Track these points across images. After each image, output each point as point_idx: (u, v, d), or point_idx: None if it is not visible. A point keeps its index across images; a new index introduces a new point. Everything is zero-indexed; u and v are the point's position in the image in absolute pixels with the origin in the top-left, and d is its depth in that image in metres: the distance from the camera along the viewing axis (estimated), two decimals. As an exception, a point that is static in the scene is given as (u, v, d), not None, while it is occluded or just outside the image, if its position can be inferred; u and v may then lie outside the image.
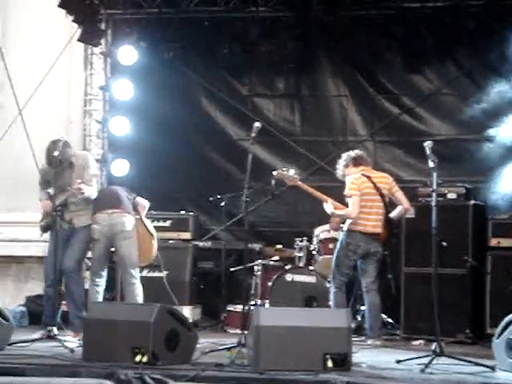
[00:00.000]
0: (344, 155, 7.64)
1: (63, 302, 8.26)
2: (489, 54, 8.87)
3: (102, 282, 7.51)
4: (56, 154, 7.04)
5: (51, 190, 7.20)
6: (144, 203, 7.80)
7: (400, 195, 7.44)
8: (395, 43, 9.22)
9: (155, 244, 7.73)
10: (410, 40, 9.12)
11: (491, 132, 8.85)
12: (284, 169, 7.68)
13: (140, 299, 7.41)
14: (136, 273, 7.50)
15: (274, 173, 7.59)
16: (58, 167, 7.14)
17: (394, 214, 7.42)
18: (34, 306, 8.70)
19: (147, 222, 7.78)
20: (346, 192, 7.29)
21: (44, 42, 9.78)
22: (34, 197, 9.15)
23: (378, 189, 7.32)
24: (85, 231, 7.41)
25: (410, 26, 9.02)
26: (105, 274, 7.54)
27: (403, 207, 7.42)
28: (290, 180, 7.60)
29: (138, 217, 7.64)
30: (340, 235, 7.48)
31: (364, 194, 7.26)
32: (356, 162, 7.48)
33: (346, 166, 7.54)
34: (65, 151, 7.22)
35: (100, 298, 7.48)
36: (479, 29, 8.78)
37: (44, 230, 7.49)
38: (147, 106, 9.69)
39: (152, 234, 7.69)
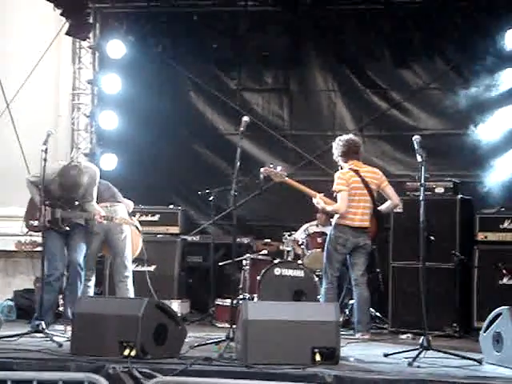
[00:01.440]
0: (339, 143, 7.51)
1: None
2: (476, 48, 8.89)
3: (93, 277, 7.52)
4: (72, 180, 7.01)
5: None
6: (130, 204, 7.83)
7: (389, 190, 7.45)
8: (383, 38, 9.25)
9: (140, 237, 7.76)
10: (398, 35, 9.16)
11: (479, 126, 8.88)
12: (271, 165, 7.67)
13: (131, 294, 7.42)
14: (130, 267, 7.52)
15: (262, 170, 7.59)
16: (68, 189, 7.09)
17: (382, 208, 7.44)
18: (22, 300, 8.69)
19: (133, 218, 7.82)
20: (334, 187, 7.30)
21: (32, 36, 9.76)
22: (22, 191, 9.11)
23: (365, 183, 7.32)
24: (84, 227, 7.36)
25: (398, 20, 9.05)
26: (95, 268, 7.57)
27: (392, 202, 7.43)
28: (277, 176, 7.59)
29: None
30: (329, 230, 7.49)
31: (352, 188, 7.27)
32: (347, 157, 7.44)
33: (340, 155, 7.50)
34: (78, 179, 7.10)
35: (91, 293, 7.48)
36: (467, 23, 8.83)
37: (34, 231, 7.31)
38: (135, 100, 9.68)
39: (137, 227, 7.68)
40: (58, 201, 7.10)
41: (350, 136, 7.67)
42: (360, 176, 7.32)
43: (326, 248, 7.43)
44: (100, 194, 7.46)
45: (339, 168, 7.51)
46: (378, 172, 7.53)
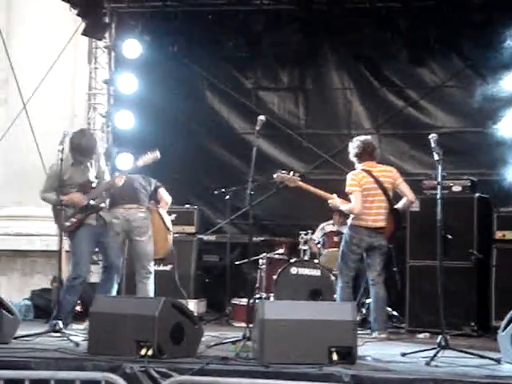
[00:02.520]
0: (354, 144, 7.46)
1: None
2: (493, 45, 8.82)
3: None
4: (85, 143, 7.01)
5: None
6: (167, 199, 7.86)
7: (404, 187, 7.39)
8: (400, 36, 9.20)
9: (170, 238, 7.77)
10: (414, 32, 9.10)
11: (496, 124, 8.82)
12: (283, 171, 7.58)
13: (151, 294, 7.42)
14: (151, 267, 7.55)
15: (274, 176, 7.53)
16: (83, 159, 7.05)
17: (398, 206, 7.40)
18: (40, 299, 8.71)
19: (165, 216, 7.81)
20: (347, 189, 7.26)
21: (48, 36, 9.79)
22: (38, 191, 9.20)
23: (379, 183, 7.27)
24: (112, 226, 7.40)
25: (415, 18, 9.00)
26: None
27: (408, 199, 7.38)
28: (291, 181, 7.50)
29: (156, 208, 7.68)
30: (345, 230, 7.47)
31: (364, 189, 7.22)
32: (361, 158, 7.39)
33: (354, 156, 7.47)
34: (93, 140, 7.16)
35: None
36: (483, 21, 8.76)
37: (76, 227, 7.05)
38: (151, 100, 9.69)
39: (168, 229, 7.70)
40: (80, 190, 7.06)
41: (366, 137, 7.61)
42: (373, 176, 7.27)
43: (341, 248, 7.40)
44: (119, 194, 7.42)
45: (355, 168, 7.48)
46: (391, 170, 7.46)
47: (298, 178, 7.55)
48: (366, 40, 9.28)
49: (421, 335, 7.60)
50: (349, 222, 7.36)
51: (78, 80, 10.12)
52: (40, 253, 9.59)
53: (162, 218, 7.76)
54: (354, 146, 7.44)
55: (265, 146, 9.35)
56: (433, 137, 6.29)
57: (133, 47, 9.61)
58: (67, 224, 7.02)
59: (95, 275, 9.58)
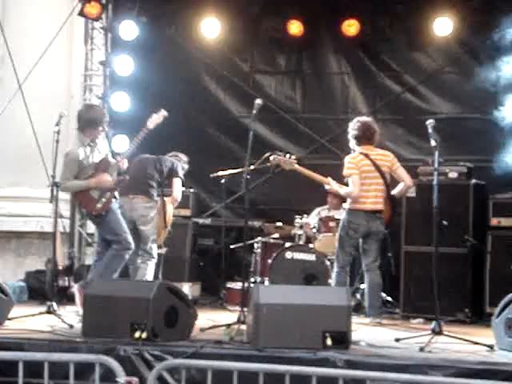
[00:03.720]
0: (355, 126, 7.40)
1: (62, 278, 8.32)
2: (492, 32, 8.79)
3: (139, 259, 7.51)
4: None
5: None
6: (176, 195, 7.71)
7: (401, 172, 7.37)
8: (398, 21, 9.18)
9: (163, 233, 7.78)
10: (412, 18, 9.06)
11: (494, 110, 8.80)
12: (279, 153, 7.55)
13: (150, 278, 7.42)
14: (153, 251, 7.52)
15: (271, 158, 7.48)
16: (95, 132, 7.01)
17: (395, 192, 7.39)
18: (34, 281, 8.70)
19: (168, 210, 7.76)
20: (345, 172, 7.24)
21: (44, 16, 9.71)
22: (34, 171, 9.19)
23: (377, 166, 7.26)
24: None
25: (413, 3, 8.96)
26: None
27: (405, 184, 7.36)
28: (287, 164, 7.48)
29: (162, 202, 7.69)
30: (342, 215, 7.45)
31: (362, 171, 7.21)
32: (360, 141, 7.36)
33: (353, 138, 7.42)
34: (101, 111, 7.16)
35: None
36: (482, 6, 8.72)
37: (106, 208, 6.93)
38: (148, 82, 9.64)
39: (165, 225, 7.66)
40: (98, 171, 7.01)
41: (367, 119, 7.55)
42: (370, 159, 7.26)
43: (338, 233, 7.39)
44: (127, 183, 7.28)
45: (351, 151, 7.46)
46: (389, 154, 7.45)
47: (295, 161, 7.52)
48: (363, 24, 9.22)
49: (415, 321, 7.60)
50: (346, 206, 7.34)
51: (74, 61, 10.05)
52: (35, 234, 9.56)
53: (164, 212, 7.71)
54: (353, 128, 7.40)
55: (261, 129, 9.32)
56: (430, 123, 6.28)
57: (129, 28, 9.56)
58: (99, 206, 6.94)
59: (89, 257, 9.59)
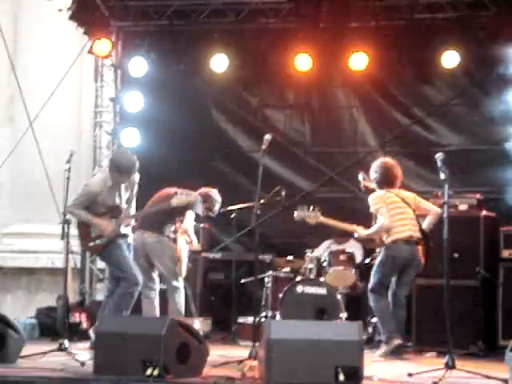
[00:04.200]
0: (378, 170, 7.38)
1: (73, 315, 8.31)
2: (499, 63, 8.83)
3: (153, 294, 7.52)
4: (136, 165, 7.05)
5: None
6: (185, 225, 7.57)
7: (425, 203, 7.37)
8: (405, 54, 9.22)
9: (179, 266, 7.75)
10: (419, 51, 9.12)
11: (503, 142, 8.81)
12: (302, 207, 7.46)
13: (181, 309, 7.41)
14: (178, 283, 7.50)
15: (295, 215, 7.40)
16: (122, 179, 7.04)
17: (425, 225, 7.31)
18: (45, 317, 8.69)
19: (179, 243, 7.66)
20: (373, 209, 7.19)
21: (55, 54, 9.85)
22: (44, 208, 9.24)
23: (402, 199, 7.24)
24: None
25: (420, 36, 9.02)
26: (154, 285, 7.55)
27: (433, 213, 7.27)
28: (312, 218, 7.38)
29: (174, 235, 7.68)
30: (381, 251, 7.32)
31: (391, 203, 7.18)
32: (381, 186, 7.32)
33: (374, 181, 7.38)
34: (133, 160, 7.13)
35: (154, 311, 7.47)
36: (489, 39, 8.77)
37: (98, 250, 7.09)
38: (157, 118, 9.70)
39: (178, 258, 7.62)
40: (109, 212, 7.06)
41: (390, 164, 7.43)
42: (394, 193, 7.26)
43: (377, 269, 7.26)
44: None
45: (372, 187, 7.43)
46: (411, 193, 7.45)
47: (320, 214, 7.40)
48: (371, 58, 9.27)
49: (427, 354, 7.55)
50: (385, 241, 7.23)
51: (84, 98, 10.17)
52: (45, 270, 9.60)
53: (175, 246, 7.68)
54: (375, 170, 7.39)
55: (270, 163, 9.31)
56: (439, 156, 6.28)
57: (139, 65, 9.64)
58: (90, 244, 7.04)
59: (100, 293, 9.58)
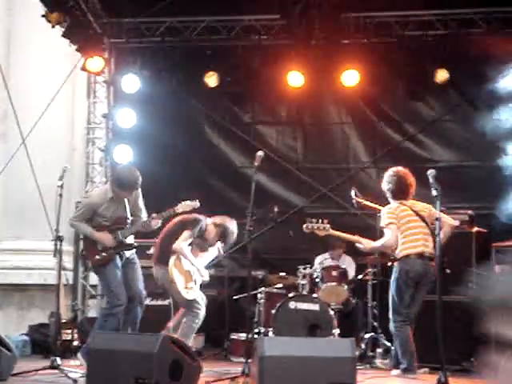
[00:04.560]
0: (390, 179, 7.22)
1: (66, 331, 8.28)
2: (489, 80, 8.89)
3: None
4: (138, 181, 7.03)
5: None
6: (176, 246, 7.42)
7: (441, 215, 6.90)
8: (396, 70, 9.28)
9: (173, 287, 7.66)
10: (410, 67, 9.18)
11: (494, 158, 8.85)
12: (312, 220, 7.31)
13: (185, 337, 7.26)
14: (192, 311, 7.46)
15: (304, 227, 7.26)
16: (124, 193, 7.03)
17: (441, 238, 6.88)
18: (37, 334, 8.66)
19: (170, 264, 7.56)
20: (382, 223, 7.03)
21: (47, 71, 9.86)
22: (37, 224, 9.22)
23: (416, 213, 7.02)
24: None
25: (411, 53, 9.08)
26: None
27: (448, 225, 7.01)
28: (322, 230, 7.24)
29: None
30: (394, 267, 7.07)
31: (403, 217, 6.99)
32: (395, 196, 7.16)
33: (388, 190, 7.24)
34: (135, 176, 7.08)
35: None
36: (480, 56, 8.83)
37: (104, 263, 7.03)
38: (150, 135, 9.72)
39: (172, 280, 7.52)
40: (114, 224, 7.06)
41: (403, 172, 7.25)
42: (408, 206, 7.07)
43: (394, 284, 7.01)
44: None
45: (388, 200, 7.25)
46: (426, 205, 7.17)
47: (328, 226, 7.26)
48: (363, 74, 9.33)
49: (420, 371, 7.53)
50: (398, 255, 7.01)
51: (76, 114, 10.18)
52: (38, 287, 9.56)
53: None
54: (388, 181, 7.24)
55: (263, 179, 9.37)
56: (431, 172, 6.32)
57: (132, 82, 9.67)
58: (97, 258, 7.02)
59: (93, 310, 9.57)
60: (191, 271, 7.50)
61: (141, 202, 7.25)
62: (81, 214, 7.04)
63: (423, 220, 7.02)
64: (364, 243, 7.20)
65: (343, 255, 8.93)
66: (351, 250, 8.44)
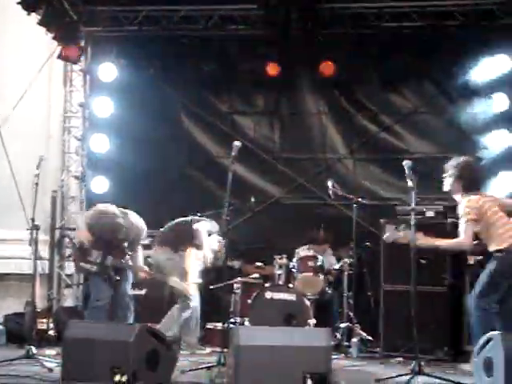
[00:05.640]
0: (460, 171, 6.58)
1: (41, 321, 8.26)
2: (464, 72, 8.96)
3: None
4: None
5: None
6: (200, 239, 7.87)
7: (505, 201, 6.69)
8: (372, 62, 9.33)
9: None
10: (386, 59, 9.22)
11: (470, 150, 8.91)
12: (393, 227, 6.83)
13: (168, 319, 7.62)
14: (184, 302, 7.73)
15: (384, 237, 6.73)
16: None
17: None
18: (12, 324, 8.60)
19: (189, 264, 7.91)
20: (465, 218, 6.33)
21: (23, 59, 9.77)
22: (12, 213, 9.15)
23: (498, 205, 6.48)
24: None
25: (387, 45, 9.12)
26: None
27: None
28: (404, 238, 6.47)
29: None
30: (489, 263, 6.53)
31: (489, 208, 6.39)
32: (469, 189, 6.51)
33: (462, 188, 6.56)
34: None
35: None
36: (456, 48, 8.89)
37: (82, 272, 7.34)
38: (127, 124, 9.68)
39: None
40: (108, 246, 7.13)
41: (471, 164, 6.70)
42: (489, 198, 6.52)
43: (483, 282, 6.40)
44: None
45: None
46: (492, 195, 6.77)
47: (412, 232, 6.29)
48: (339, 65, 9.35)
49: (395, 360, 7.61)
50: (495, 246, 6.39)
51: (53, 103, 10.10)
52: (13, 276, 9.51)
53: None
54: (458, 174, 6.57)
55: (240, 169, 9.36)
56: (407, 163, 6.34)
57: (108, 70, 9.64)
58: (81, 264, 7.16)
59: (69, 299, 9.54)
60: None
61: (138, 248, 7.55)
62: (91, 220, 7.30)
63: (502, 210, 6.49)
64: (441, 244, 6.54)
65: (328, 249, 8.88)
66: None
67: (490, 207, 6.43)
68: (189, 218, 7.97)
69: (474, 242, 6.45)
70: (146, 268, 7.52)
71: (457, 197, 6.60)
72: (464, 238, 6.34)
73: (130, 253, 7.22)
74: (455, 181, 6.58)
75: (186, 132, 9.96)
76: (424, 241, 6.36)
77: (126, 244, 7.21)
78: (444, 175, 6.70)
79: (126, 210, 7.50)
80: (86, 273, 7.32)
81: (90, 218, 7.23)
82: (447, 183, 6.67)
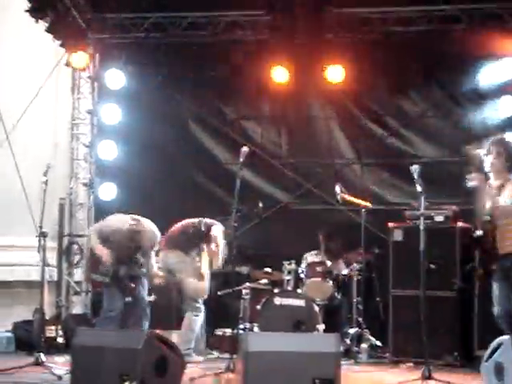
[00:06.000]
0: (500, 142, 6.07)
1: (50, 328, 8.26)
2: (472, 76, 8.94)
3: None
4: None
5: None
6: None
7: None
8: (380, 66, 9.29)
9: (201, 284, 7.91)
10: (393, 63, 9.20)
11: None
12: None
13: (195, 329, 7.65)
14: (196, 304, 7.76)
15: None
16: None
17: None
18: (21, 331, 8.62)
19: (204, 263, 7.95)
20: None
21: (31, 66, 9.77)
22: (20, 220, 9.17)
23: None
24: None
25: (394, 49, 9.10)
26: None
27: None
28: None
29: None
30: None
31: None
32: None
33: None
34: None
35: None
36: (463, 52, 8.86)
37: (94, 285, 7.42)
38: (135, 130, 9.70)
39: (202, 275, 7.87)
40: (120, 255, 7.17)
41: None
42: None
43: None
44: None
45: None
46: None
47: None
48: (346, 70, 9.33)
49: (404, 365, 7.59)
50: None
51: (60, 110, 10.11)
52: (22, 283, 9.51)
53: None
54: (497, 148, 6.03)
55: (248, 175, 9.33)
56: (415, 168, 6.33)
57: (116, 77, 9.65)
58: (92, 276, 7.24)
59: (77, 306, 9.55)
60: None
61: (152, 254, 7.54)
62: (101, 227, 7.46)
63: None
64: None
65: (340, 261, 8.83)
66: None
67: None
68: (196, 220, 7.92)
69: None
70: (161, 273, 7.49)
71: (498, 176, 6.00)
72: None
73: (143, 259, 7.22)
74: (497, 159, 5.99)
75: (193, 138, 9.96)
76: None
77: (140, 252, 7.21)
78: (483, 153, 6.05)
79: (139, 217, 7.48)
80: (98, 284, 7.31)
81: (105, 236, 7.23)
82: (488, 162, 6.02)
